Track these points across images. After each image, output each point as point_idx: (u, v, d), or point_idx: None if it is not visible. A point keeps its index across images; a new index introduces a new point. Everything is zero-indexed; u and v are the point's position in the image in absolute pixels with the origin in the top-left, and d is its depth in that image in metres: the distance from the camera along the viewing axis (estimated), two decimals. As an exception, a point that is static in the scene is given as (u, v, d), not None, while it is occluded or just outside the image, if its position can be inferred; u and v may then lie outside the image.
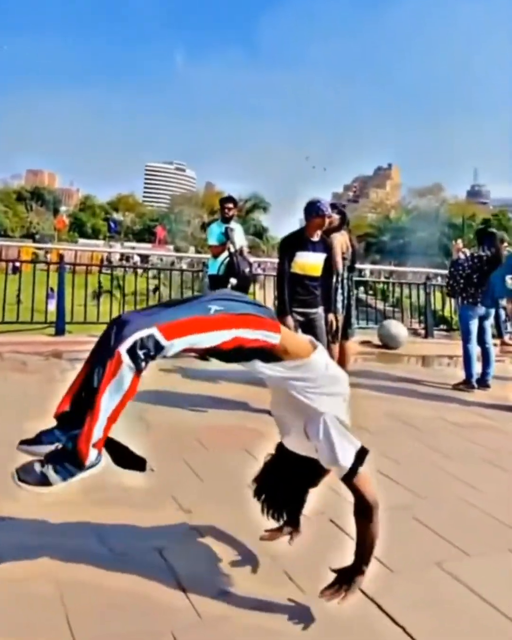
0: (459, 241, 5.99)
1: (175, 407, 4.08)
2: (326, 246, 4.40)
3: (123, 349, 1.60)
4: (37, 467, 1.69)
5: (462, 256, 5.53)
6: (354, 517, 1.85)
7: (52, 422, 1.77)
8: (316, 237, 4.26)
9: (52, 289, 7.80)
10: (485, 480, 3.17)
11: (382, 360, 6.72)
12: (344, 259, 4.98)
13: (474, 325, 5.38)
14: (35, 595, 1.90)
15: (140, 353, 1.61)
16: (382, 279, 19.72)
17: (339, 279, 4.94)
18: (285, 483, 2.07)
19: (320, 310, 4.35)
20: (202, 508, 2.59)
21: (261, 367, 1.83)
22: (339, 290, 4.95)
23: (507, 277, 5.06)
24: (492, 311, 5.64)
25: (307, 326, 4.22)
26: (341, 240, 4.94)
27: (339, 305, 4.92)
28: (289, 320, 4.10)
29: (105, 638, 1.73)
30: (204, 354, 1.90)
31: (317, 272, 4.28)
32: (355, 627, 1.83)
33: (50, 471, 1.69)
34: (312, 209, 4.18)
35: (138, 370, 1.63)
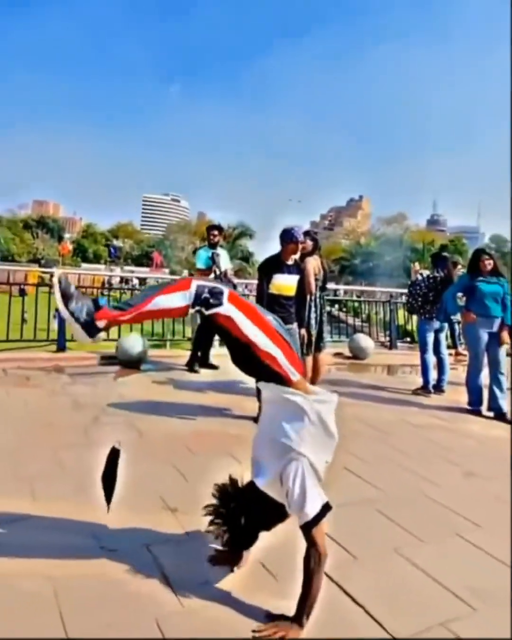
0: (417, 264, 6.09)
1: (166, 416, 4.05)
2: (299, 269, 4.46)
3: (196, 282, 1.74)
4: (72, 288, 1.79)
5: (419, 277, 5.63)
6: (303, 567, 1.72)
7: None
8: (290, 261, 4.31)
9: (57, 310, 7.72)
10: (439, 474, 3.21)
11: (352, 369, 6.75)
12: (316, 280, 5.02)
13: (430, 337, 5.46)
14: (30, 591, 1.87)
15: (204, 296, 1.71)
16: (354, 297, 19.93)
17: (312, 298, 4.97)
18: (249, 513, 1.89)
19: (294, 325, 4.38)
20: (187, 507, 2.56)
21: (283, 390, 1.79)
22: (313, 308, 4.97)
23: (458, 295, 5.18)
24: (446, 325, 5.73)
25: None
26: (314, 264, 4.99)
27: (313, 321, 4.94)
28: None
29: (95, 629, 1.70)
30: (237, 350, 1.85)
31: (292, 292, 4.32)
32: (321, 607, 1.82)
33: (76, 301, 1.77)
34: (287, 236, 4.23)
35: (192, 305, 1.72)
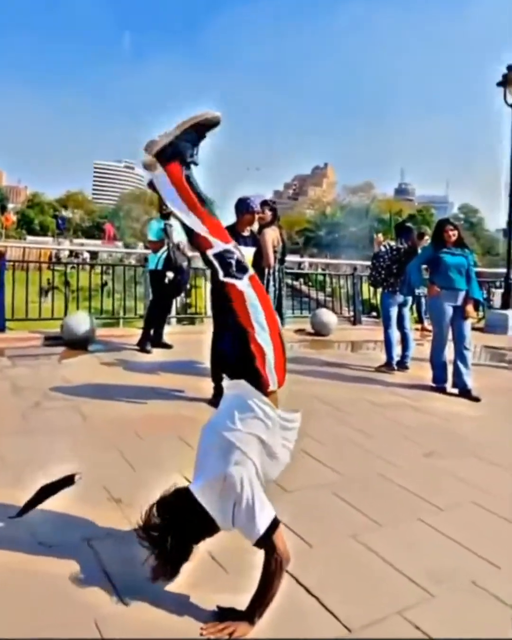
0: (380, 235, 6.08)
1: (113, 400, 3.94)
2: (255, 240, 4.38)
3: (234, 245, 1.84)
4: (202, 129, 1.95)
5: (383, 249, 5.62)
6: (263, 569, 1.65)
7: None
8: (246, 232, 4.24)
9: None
10: (400, 454, 3.24)
11: (314, 346, 6.76)
12: (275, 252, 4.94)
13: (393, 312, 5.49)
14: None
15: (230, 260, 1.79)
16: (319, 271, 19.97)
17: (271, 271, 4.90)
18: (178, 527, 1.70)
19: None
20: (133, 498, 2.48)
21: (254, 393, 1.71)
22: (271, 282, 4.90)
23: (423, 267, 5.20)
24: (410, 299, 5.78)
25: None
26: (272, 235, 4.89)
27: (271, 295, 4.87)
28: None
29: (28, 631, 1.62)
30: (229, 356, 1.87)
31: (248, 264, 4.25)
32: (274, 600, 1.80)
33: (188, 135, 1.92)
34: (243, 206, 4.13)
35: (215, 255, 1.81)
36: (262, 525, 1.61)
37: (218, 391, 4.07)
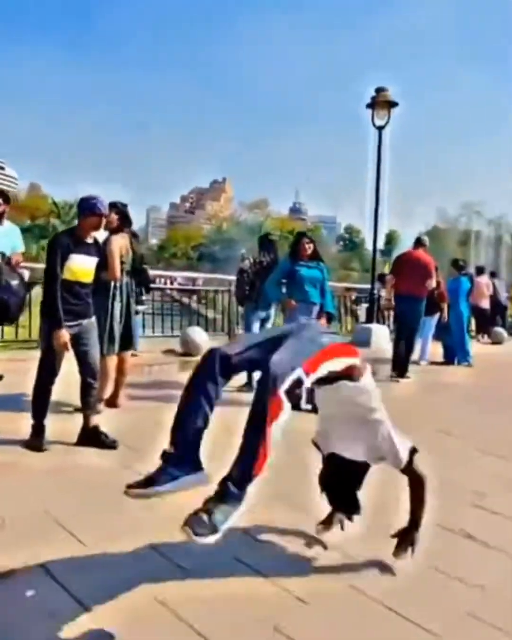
0: (243, 251, 6.06)
1: None
2: (99, 249, 3.96)
3: (282, 390, 1.74)
4: (205, 518, 1.65)
5: (247, 263, 5.58)
6: (410, 491, 2.26)
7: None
8: (90, 239, 3.76)
9: None
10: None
11: (182, 368, 6.46)
12: (122, 263, 4.58)
13: (255, 327, 5.43)
14: None
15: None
16: (214, 287, 19.83)
17: (118, 285, 4.55)
18: (341, 483, 2.39)
19: (93, 319, 3.91)
20: None
21: (349, 385, 2.14)
22: (117, 298, 4.53)
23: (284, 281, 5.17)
24: (272, 313, 5.76)
25: (78, 337, 3.74)
26: (120, 243, 4.48)
27: (117, 313, 4.53)
28: (65, 333, 3.52)
29: None
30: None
31: (89, 277, 3.74)
32: None
33: (216, 518, 1.67)
34: (86, 206, 3.61)
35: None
36: (403, 457, 2.26)
37: (36, 431, 3.61)
